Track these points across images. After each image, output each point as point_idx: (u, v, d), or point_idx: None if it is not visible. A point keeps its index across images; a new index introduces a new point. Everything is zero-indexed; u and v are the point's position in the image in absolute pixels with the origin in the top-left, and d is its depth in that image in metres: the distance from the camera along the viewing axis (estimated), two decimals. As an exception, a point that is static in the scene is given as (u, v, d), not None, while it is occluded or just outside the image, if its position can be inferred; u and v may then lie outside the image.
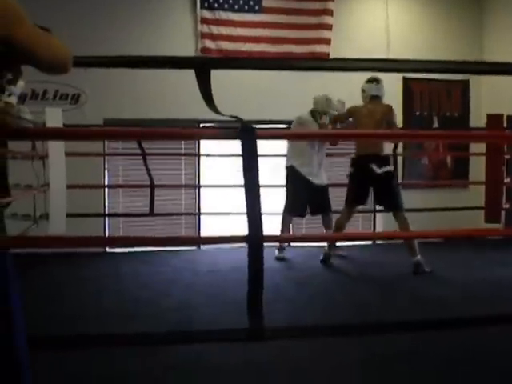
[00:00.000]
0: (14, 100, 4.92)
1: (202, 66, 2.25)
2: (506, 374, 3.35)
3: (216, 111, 2.34)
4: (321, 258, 6.61)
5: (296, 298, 5.22)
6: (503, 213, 7.97)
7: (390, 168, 6.42)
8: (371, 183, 6.38)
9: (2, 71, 1.83)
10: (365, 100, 6.54)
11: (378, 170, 6.28)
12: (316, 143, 6.94)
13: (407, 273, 6.18)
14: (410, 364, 3.49)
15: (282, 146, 7.54)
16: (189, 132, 2.49)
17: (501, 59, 8.78)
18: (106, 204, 8.35)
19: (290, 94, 8.32)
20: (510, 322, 2.92)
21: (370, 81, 6.48)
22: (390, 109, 6.43)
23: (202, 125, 8.35)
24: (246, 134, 2.07)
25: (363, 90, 6.55)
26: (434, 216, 7.65)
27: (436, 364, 3.49)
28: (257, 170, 2.07)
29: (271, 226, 6.53)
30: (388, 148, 6.95)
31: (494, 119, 7.62)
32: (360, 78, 6.43)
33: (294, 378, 3.23)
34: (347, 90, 7.13)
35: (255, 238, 2.13)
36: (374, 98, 6.48)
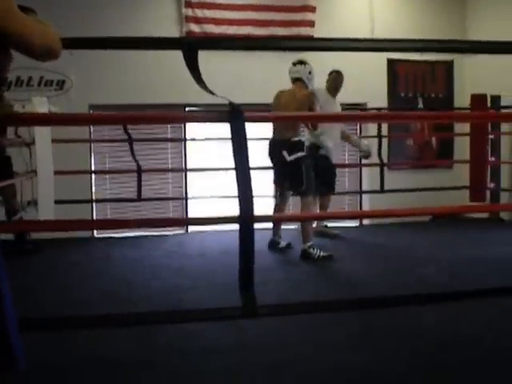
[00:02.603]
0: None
1: (189, 47, 2.26)
2: (494, 348, 3.42)
3: (207, 90, 2.35)
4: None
5: (287, 278, 5.28)
6: (488, 192, 8.09)
7: (300, 154, 6.07)
8: (282, 167, 6.17)
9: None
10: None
11: (288, 157, 6.04)
12: None
13: (394, 253, 6.27)
14: (398, 339, 3.56)
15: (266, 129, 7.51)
16: (177, 115, 2.52)
17: (484, 39, 8.87)
18: (93, 190, 8.35)
19: (273, 78, 8.32)
20: (493, 295, 2.98)
21: (293, 63, 6.32)
22: (308, 95, 6.13)
23: (187, 109, 8.37)
24: (235, 116, 2.10)
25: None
26: (420, 196, 7.71)
27: (428, 338, 3.55)
28: (247, 152, 2.11)
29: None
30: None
31: (477, 99, 7.71)
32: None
33: (285, 354, 3.29)
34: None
35: (246, 218, 2.17)
36: (296, 81, 6.30)
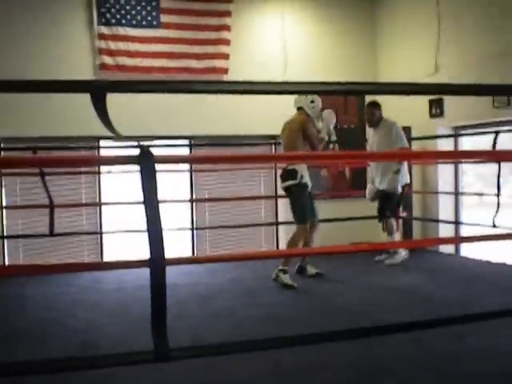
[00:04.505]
0: None
1: (97, 91, 2.24)
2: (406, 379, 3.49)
3: (115, 134, 2.34)
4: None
5: (200, 314, 5.24)
6: (400, 221, 8.30)
7: (291, 182, 6.38)
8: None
9: None
10: None
11: (281, 185, 6.54)
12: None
13: (307, 283, 6.34)
14: (314, 377, 3.58)
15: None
16: (87, 159, 2.47)
17: (393, 75, 9.16)
18: (5, 225, 8.08)
19: (189, 108, 8.36)
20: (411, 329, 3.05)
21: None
22: (301, 121, 6.44)
23: (102, 141, 8.26)
24: (145, 158, 2.08)
25: None
26: (337, 224, 7.84)
27: (347, 373, 3.59)
28: (156, 195, 2.09)
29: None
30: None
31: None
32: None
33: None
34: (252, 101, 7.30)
35: (157, 262, 2.14)
36: (298, 110, 6.61)
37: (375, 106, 7.34)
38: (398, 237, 7.49)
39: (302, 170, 6.39)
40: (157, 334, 2.26)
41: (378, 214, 7.59)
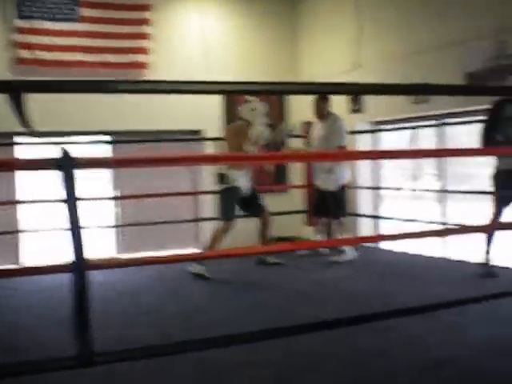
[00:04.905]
0: None
1: (14, 91, 2.18)
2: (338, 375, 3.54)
3: (33, 134, 2.30)
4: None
5: (125, 313, 5.18)
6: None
7: (222, 186, 6.72)
8: None
9: None
10: None
11: (217, 188, 6.86)
12: None
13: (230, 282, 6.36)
14: (241, 373, 3.59)
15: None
16: (5, 162, 2.39)
17: (315, 70, 9.26)
18: None
19: (110, 103, 8.19)
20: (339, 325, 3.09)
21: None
22: (237, 129, 6.84)
23: (16, 138, 7.96)
24: (66, 163, 2.04)
25: None
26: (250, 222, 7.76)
27: (275, 370, 3.61)
28: (75, 200, 2.05)
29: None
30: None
31: (308, 126, 8.05)
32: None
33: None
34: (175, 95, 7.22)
35: (79, 266, 2.10)
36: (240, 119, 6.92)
37: (324, 99, 7.21)
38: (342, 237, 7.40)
39: (235, 173, 6.68)
40: (80, 340, 2.21)
41: (316, 211, 7.57)
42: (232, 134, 6.87)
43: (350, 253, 7.17)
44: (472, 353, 3.81)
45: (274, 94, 8.01)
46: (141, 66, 8.69)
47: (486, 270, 5.88)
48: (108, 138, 8.77)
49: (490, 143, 5.68)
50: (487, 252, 5.91)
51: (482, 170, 6.37)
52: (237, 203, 6.78)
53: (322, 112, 7.24)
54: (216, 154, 7.86)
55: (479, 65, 6.72)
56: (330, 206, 7.24)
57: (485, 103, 5.87)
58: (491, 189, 5.98)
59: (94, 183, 8.44)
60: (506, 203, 5.83)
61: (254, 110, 6.79)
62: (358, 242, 7.94)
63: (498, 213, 5.83)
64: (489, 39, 6.56)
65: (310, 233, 8.26)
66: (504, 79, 6.43)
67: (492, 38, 6.54)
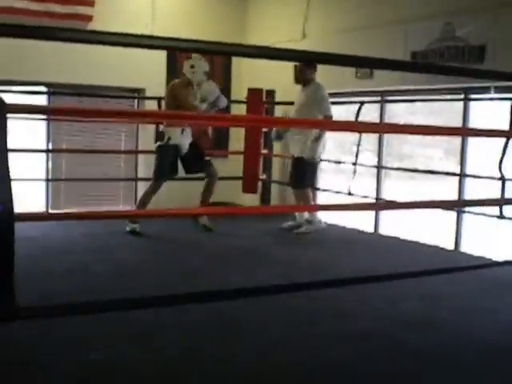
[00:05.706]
0: None
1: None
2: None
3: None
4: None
5: (52, 269, 5.07)
6: (260, 183, 8.42)
7: (158, 143, 6.73)
8: None
9: None
10: None
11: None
12: None
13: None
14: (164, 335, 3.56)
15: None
16: None
17: (261, 36, 9.22)
18: None
19: (49, 53, 7.92)
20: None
21: None
22: (172, 85, 6.84)
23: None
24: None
25: None
26: (197, 184, 7.67)
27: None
28: (6, 146, 1.95)
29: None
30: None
31: (254, 93, 7.99)
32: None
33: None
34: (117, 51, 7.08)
35: (6, 216, 2.01)
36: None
37: (307, 64, 6.83)
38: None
39: (170, 131, 6.60)
40: (4, 293, 2.14)
41: (292, 180, 7.22)
42: (169, 91, 6.84)
43: (317, 224, 7.09)
44: (399, 326, 3.89)
45: (222, 54, 7.88)
46: (84, 18, 8.40)
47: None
48: (44, 89, 8.49)
49: None
50: None
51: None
52: (175, 162, 6.72)
53: (306, 77, 6.95)
54: (152, 110, 7.68)
55: (424, 45, 6.79)
56: (292, 173, 7.18)
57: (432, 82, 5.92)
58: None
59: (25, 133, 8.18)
60: None
61: (193, 67, 6.67)
62: (292, 210, 7.86)
63: None
64: (436, 21, 6.63)
65: (247, 200, 8.27)
66: (448, 61, 6.51)
67: (439, 20, 6.60)
